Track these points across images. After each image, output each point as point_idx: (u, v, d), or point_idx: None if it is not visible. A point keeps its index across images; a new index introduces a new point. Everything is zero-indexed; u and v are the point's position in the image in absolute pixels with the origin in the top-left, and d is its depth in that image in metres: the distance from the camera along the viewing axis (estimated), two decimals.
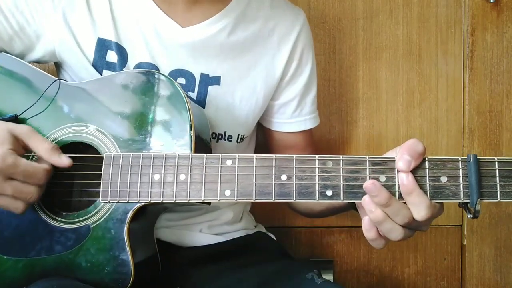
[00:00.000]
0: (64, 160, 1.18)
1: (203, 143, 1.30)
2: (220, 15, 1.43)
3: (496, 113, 1.96)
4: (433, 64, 1.94)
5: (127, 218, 1.19)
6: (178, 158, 1.16)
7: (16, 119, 1.27)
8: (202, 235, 1.54)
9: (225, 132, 1.48)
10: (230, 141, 1.50)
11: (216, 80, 1.46)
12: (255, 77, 1.50)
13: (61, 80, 1.32)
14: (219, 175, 1.13)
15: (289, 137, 1.63)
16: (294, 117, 1.60)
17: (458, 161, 1.08)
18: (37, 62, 1.45)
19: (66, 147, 1.25)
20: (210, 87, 1.45)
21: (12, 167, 1.11)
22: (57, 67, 1.51)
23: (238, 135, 1.52)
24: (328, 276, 1.92)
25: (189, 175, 1.14)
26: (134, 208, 1.18)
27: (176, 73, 1.42)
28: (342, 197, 1.07)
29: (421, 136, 1.95)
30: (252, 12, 1.49)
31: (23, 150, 1.17)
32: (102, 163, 1.20)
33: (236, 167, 1.13)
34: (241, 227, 1.63)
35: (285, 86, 1.56)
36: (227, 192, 1.12)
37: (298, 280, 1.36)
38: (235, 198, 1.12)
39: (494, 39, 1.93)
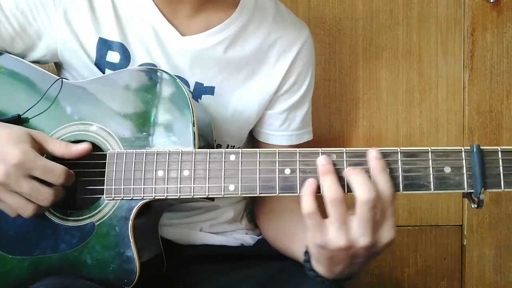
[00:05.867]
0: (81, 147, 1.21)
1: (206, 138, 1.30)
2: (220, 27, 1.43)
3: (496, 113, 1.97)
4: (433, 64, 1.95)
5: (132, 215, 1.19)
6: (181, 154, 1.16)
7: (19, 119, 1.28)
8: (203, 233, 1.54)
9: (214, 141, 1.47)
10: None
11: (210, 90, 1.45)
12: (250, 90, 1.49)
13: (63, 79, 1.33)
14: (223, 170, 1.13)
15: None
16: (281, 130, 1.58)
17: (461, 152, 1.08)
18: (38, 62, 1.44)
19: None
20: (203, 96, 1.45)
21: (33, 161, 1.13)
22: (57, 67, 1.50)
23: (228, 145, 1.52)
24: None
25: (192, 170, 1.15)
26: (138, 204, 1.19)
27: None
28: (346, 189, 1.06)
29: (421, 136, 1.96)
30: (253, 27, 1.48)
31: (40, 153, 1.18)
32: (105, 160, 1.21)
33: (240, 162, 1.13)
34: (242, 227, 1.63)
35: (278, 99, 1.54)
36: (231, 187, 1.12)
37: (299, 279, 1.36)
38: (239, 193, 1.12)
39: (494, 39, 1.94)
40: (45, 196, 1.15)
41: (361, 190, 1.02)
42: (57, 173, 1.15)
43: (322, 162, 1.08)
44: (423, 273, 2.03)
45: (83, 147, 1.21)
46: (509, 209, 2.00)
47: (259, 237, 1.63)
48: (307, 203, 1.05)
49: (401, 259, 2.02)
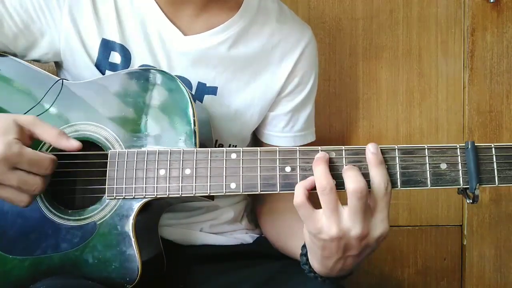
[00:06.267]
0: (73, 143, 1.18)
1: (206, 138, 1.31)
2: (223, 27, 1.43)
3: (496, 113, 1.97)
4: (433, 64, 1.95)
5: (133, 213, 1.19)
6: (183, 153, 1.17)
7: None
8: (203, 234, 1.54)
9: (216, 141, 1.47)
10: None
11: (213, 90, 1.45)
12: (253, 91, 1.49)
13: (63, 80, 1.33)
14: (224, 168, 1.14)
15: None
16: (285, 132, 1.58)
17: (456, 148, 1.13)
18: (39, 60, 1.45)
19: None
20: (206, 96, 1.45)
21: (17, 155, 1.09)
22: (57, 67, 1.51)
23: (230, 144, 1.52)
24: None
25: (194, 169, 1.15)
26: (140, 203, 1.19)
27: None
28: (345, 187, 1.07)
29: (421, 136, 1.96)
30: (256, 27, 1.48)
31: (29, 140, 1.16)
32: (107, 160, 1.21)
33: (241, 160, 1.14)
34: (242, 227, 1.63)
35: (281, 100, 1.54)
36: (233, 185, 1.13)
37: (300, 279, 1.36)
38: (241, 191, 1.13)
39: (494, 39, 1.94)
40: (35, 186, 1.13)
41: (351, 182, 1.04)
42: (44, 165, 1.13)
43: (317, 155, 1.12)
44: (423, 273, 2.03)
45: (74, 145, 1.18)
46: (509, 209, 2.00)
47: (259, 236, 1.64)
48: (297, 194, 1.07)
49: (401, 259, 2.02)
